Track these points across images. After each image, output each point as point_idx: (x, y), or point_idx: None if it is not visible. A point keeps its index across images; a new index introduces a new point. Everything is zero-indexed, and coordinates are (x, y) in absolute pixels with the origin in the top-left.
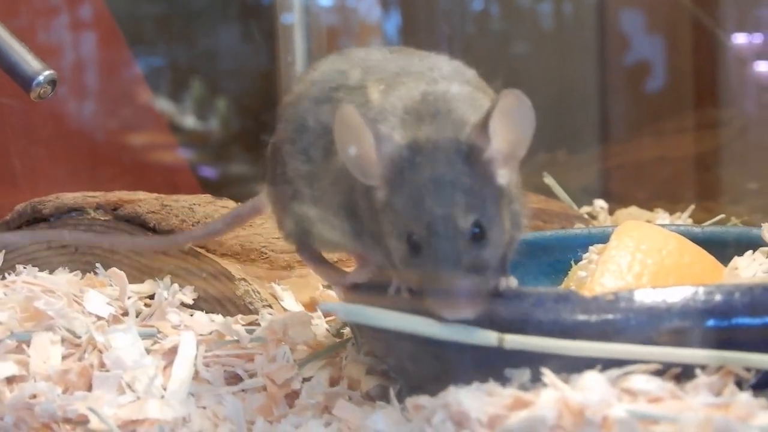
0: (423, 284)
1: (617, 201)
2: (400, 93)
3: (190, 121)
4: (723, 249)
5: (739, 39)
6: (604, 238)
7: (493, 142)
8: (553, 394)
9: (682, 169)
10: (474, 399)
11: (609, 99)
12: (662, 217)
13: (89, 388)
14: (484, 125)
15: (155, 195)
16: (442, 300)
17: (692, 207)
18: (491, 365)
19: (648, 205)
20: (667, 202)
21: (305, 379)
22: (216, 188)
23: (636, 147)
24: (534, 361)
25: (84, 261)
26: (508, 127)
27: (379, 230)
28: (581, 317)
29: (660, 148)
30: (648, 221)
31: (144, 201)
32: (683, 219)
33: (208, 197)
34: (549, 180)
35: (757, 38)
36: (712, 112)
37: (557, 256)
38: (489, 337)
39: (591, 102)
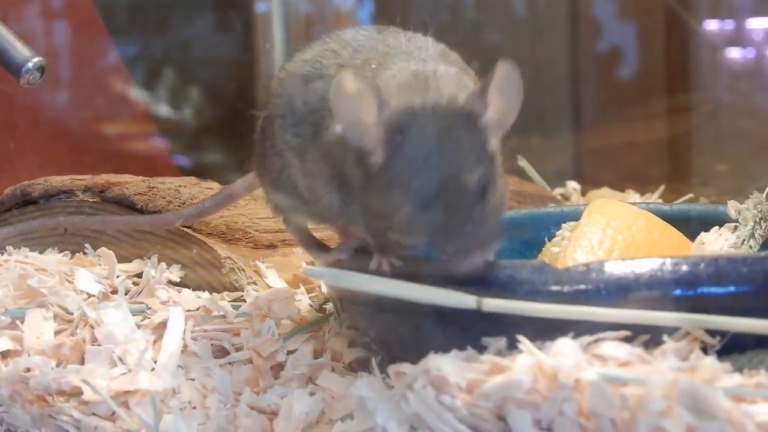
0: (433, 240)
1: (589, 183)
2: (392, 71)
3: (167, 109)
4: (690, 225)
5: (710, 25)
6: (576, 216)
7: (488, 108)
8: (528, 360)
9: (652, 153)
10: (453, 365)
11: (581, 84)
12: (633, 197)
13: (82, 362)
14: (483, 92)
15: (141, 177)
16: (455, 251)
17: (662, 188)
18: (469, 334)
19: (619, 186)
20: (637, 184)
21: (290, 352)
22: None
23: (607, 131)
24: (510, 329)
25: (73, 242)
26: (501, 97)
27: (369, 200)
28: (555, 287)
29: (631, 132)
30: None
31: (131, 183)
32: (653, 199)
33: (193, 179)
34: (523, 163)
35: (728, 24)
36: (682, 98)
37: (531, 234)
38: (468, 300)
39: (563, 87)
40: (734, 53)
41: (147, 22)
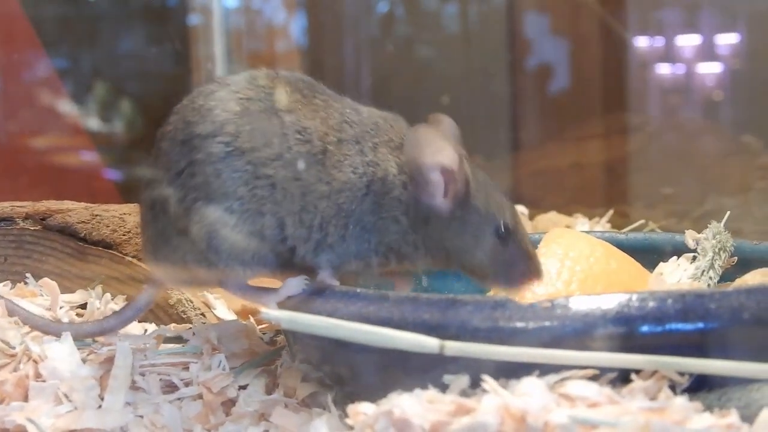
0: (513, 266)
1: (534, 206)
2: None
3: (100, 123)
4: (647, 255)
5: (642, 42)
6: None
7: None
8: (494, 400)
9: (596, 175)
10: (416, 405)
11: (521, 105)
12: (582, 222)
13: (26, 399)
14: None
15: (84, 204)
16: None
17: (611, 212)
18: (429, 372)
19: (566, 210)
20: (584, 207)
21: (241, 387)
22: (128, 190)
23: (549, 152)
24: (472, 366)
25: (13, 271)
26: None
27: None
28: (519, 324)
29: (575, 154)
30: (568, 226)
31: (74, 210)
32: (602, 224)
33: (137, 206)
34: None
35: (660, 41)
36: (623, 117)
37: None
38: (430, 344)
39: (503, 107)
40: (665, 69)
41: (79, 34)
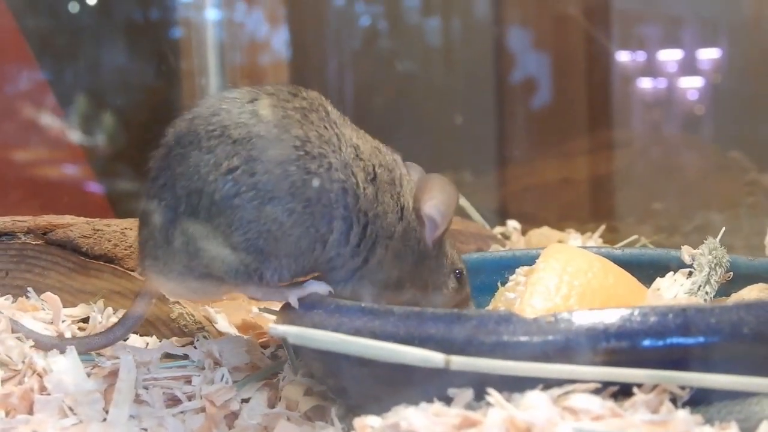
0: (461, 305)
1: (525, 222)
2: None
3: (88, 137)
4: (643, 270)
5: (626, 57)
6: (528, 261)
7: None
8: (499, 414)
9: (585, 191)
10: (422, 419)
11: (506, 119)
12: (574, 237)
13: (31, 412)
14: None
15: (85, 219)
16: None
17: (603, 227)
18: (433, 385)
19: (556, 225)
20: (574, 223)
21: (244, 401)
22: (119, 203)
23: (538, 168)
24: (475, 379)
25: (14, 285)
26: None
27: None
28: (523, 338)
29: (563, 169)
30: (560, 241)
31: (75, 225)
32: (594, 239)
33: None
34: (463, 201)
35: (644, 56)
36: (609, 133)
37: (483, 278)
38: (436, 359)
39: (488, 122)
40: (649, 83)
41: (67, 47)
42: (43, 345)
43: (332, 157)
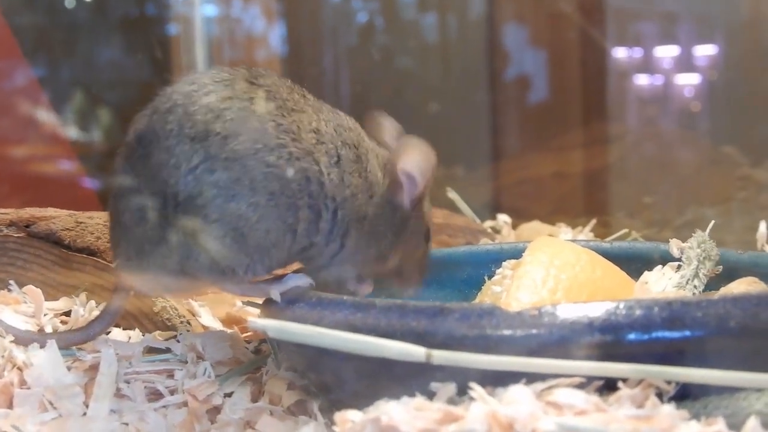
0: (423, 267)
1: (517, 216)
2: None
3: (81, 132)
4: (632, 263)
5: (621, 53)
6: (515, 254)
7: None
8: (481, 408)
9: (577, 185)
10: (403, 413)
11: (501, 114)
12: (565, 231)
13: (10, 406)
14: None
15: (68, 212)
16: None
17: (594, 221)
18: (415, 379)
19: (548, 219)
20: (566, 217)
21: (226, 395)
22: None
23: (532, 162)
24: (459, 373)
25: None
26: None
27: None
28: (506, 332)
29: (556, 163)
30: (551, 235)
31: (58, 218)
32: (585, 233)
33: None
34: (453, 195)
35: (639, 52)
36: (603, 127)
37: (469, 272)
38: (417, 353)
39: (483, 117)
40: (644, 79)
41: (59, 43)
42: (22, 340)
43: (292, 146)
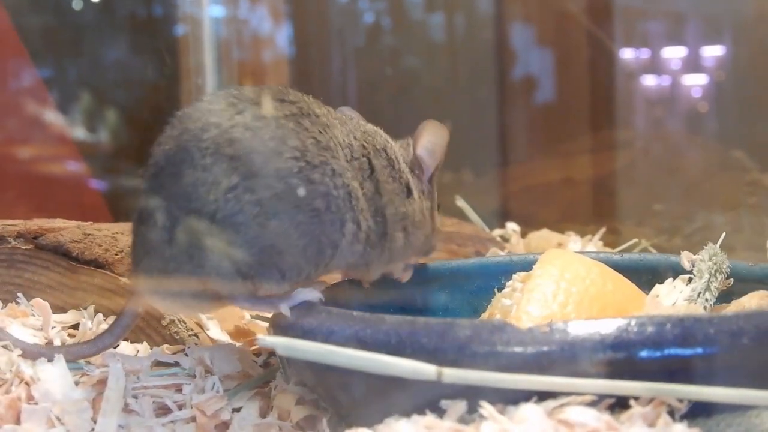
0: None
1: (525, 223)
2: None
3: (87, 133)
4: (642, 276)
5: (629, 54)
6: (525, 266)
7: None
8: (492, 427)
9: (587, 191)
10: (413, 431)
11: (508, 116)
12: (574, 240)
13: (18, 422)
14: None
15: (76, 223)
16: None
17: (603, 230)
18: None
19: (556, 227)
20: (574, 224)
21: (235, 410)
22: (115, 201)
23: (540, 168)
24: (469, 390)
25: (5, 291)
26: None
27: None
28: (517, 349)
29: (565, 169)
30: (560, 243)
31: (66, 230)
32: (594, 242)
33: (130, 225)
34: (461, 203)
35: (646, 53)
36: (611, 132)
37: (479, 284)
38: (428, 371)
39: (490, 118)
40: (652, 81)
41: (66, 44)
42: (30, 354)
43: (333, 163)
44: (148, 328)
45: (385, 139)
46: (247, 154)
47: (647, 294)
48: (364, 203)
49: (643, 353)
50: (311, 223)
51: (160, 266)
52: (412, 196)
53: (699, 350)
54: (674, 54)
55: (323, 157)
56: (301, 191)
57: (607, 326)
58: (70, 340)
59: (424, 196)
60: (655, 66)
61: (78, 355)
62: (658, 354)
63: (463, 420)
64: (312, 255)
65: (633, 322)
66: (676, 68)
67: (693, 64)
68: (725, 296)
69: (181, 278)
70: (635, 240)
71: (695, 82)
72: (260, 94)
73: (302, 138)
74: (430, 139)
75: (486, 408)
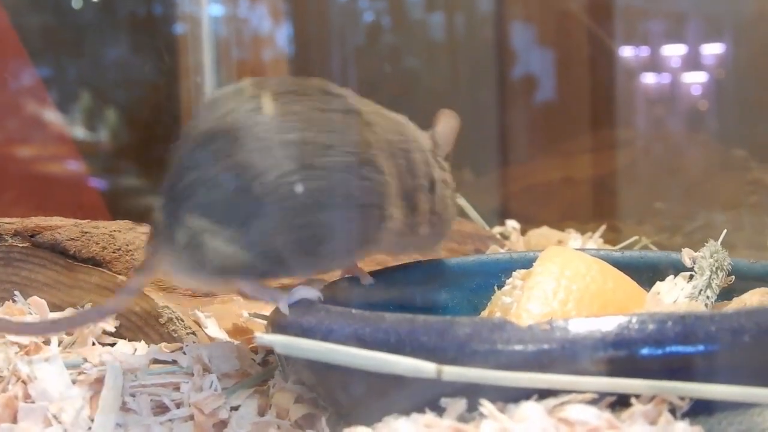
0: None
1: (526, 221)
2: None
3: (87, 132)
4: (643, 273)
5: (629, 52)
6: (525, 263)
7: None
8: (493, 426)
9: (587, 189)
10: (412, 430)
11: (509, 115)
12: (574, 237)
13: (14, 420)
14: None
15: (73, 221)
16: None
17: (603, 227)
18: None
19: (557, 225)
20: (575, 222)
21: (233, 408)
22: (113, 199)
23: (540, 167)
24: (469, 388)
25: (2, 289)
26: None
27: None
28: (517, 347)
29: (565, 168)
30: (560, 241)
31: (63, 227)
32: (594, 239)
33: (128, 224)
34: (461, 201)
35: (647, 51)
36: (612, 131)
37: (479, 281)
38: (428, 369)
39: (491, 118)
40: (653, 79)
41: (65, 43)
42: (34, 330)
43: (380, 159)
44: (146, 326)
45: (415, 132)
46: (303, 143)
47: (648, 291)
48: (409, 197)
49: (645, 351)
50: (359, 215)
51: (186, 238)
52: (440, 187)
53: (701, 348)
54: (675, 52)
55: (372, 155)
56: (352, 185)
57: (608, 324)
58: (67, 338)
59: (446, 185)
60: (655, 65)
61: (84, 320)
62: (659, 352)
63: (462, 418)
64: (351, 244)
65: (634, 320)
66: (677, 67)
67: (694, 63)
68: (726, 293)
69: (208, 254)
70: (636, 237)
71: (696, 80)
72: (309, 89)
73: (352, 134)
74: (441, 127)
75: (486, 406)
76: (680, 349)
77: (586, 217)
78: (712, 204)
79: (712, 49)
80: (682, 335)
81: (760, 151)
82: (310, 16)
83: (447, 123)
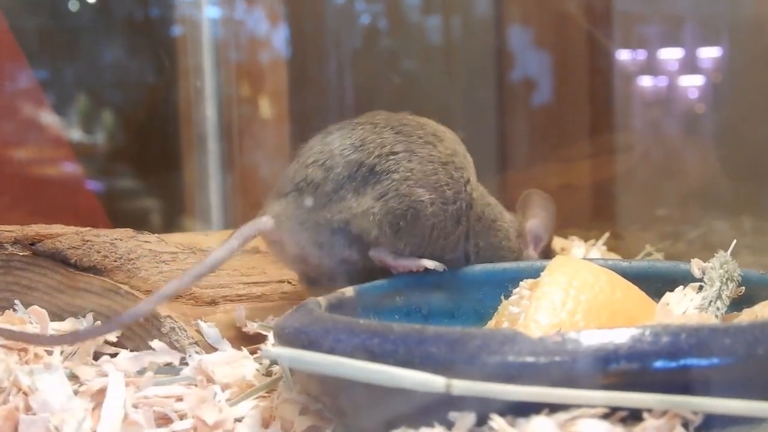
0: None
1: None
2: None
3: (83, 135)
4: (651, 283)
5: (627, 56)
6: (532, 273)
7: None
8: None
9: (588, 196)
10: None
11: (508, 118)
12: (578, 245)
13: None
14: None
15: (74, 229)
16: None
17: (607, 234)
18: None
19: (559, 232)
20: (577, 229)
21: (237, 420)
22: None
23: (540, 174)
24: (479, 402)
25: (2, 297)
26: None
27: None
28: (529, 359)
29: (565, 175)
30: (563, 248)
31: (64, 236)
32: (598, 247)
33: (129, 231)
34: None
35: (645, 55)
36: (612, 136)
37: (486, 291)
38: (437, 383)
39: (490, 123)
40: (651, 83)
41: (62, 46)
42: (55, 341)
43: (469, 173)
44: (149, 336)
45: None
46: (411, 134)
47: (657, 302)
48: (476, 221)
49: (658, 364)
50: (440, 208)
51: (311, 202)
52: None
53: (715, 361)
54: (673, 56)
55: (464, 164)
56: (442, 179)
57: (621, 336)
58: (68, 349)
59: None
60: (654, 69)
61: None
62: (673, 365)
63: None
64: (434, 236)
65: (647, 332)
66: (675, 71)
67: (691, 66)
68: (735, 304)
69: (327, 217)
70: (648, 249)
71: (693, 83)
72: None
73: (453, 145)
74: (544, 216)
75: (496, 420)
76: (694, 362)
77: (588, 224)
78: (713, 209)
79: (711, 53)
80: (697, 348)
81: (760, 155)
82: (307, 18)
83: (543, 211)
